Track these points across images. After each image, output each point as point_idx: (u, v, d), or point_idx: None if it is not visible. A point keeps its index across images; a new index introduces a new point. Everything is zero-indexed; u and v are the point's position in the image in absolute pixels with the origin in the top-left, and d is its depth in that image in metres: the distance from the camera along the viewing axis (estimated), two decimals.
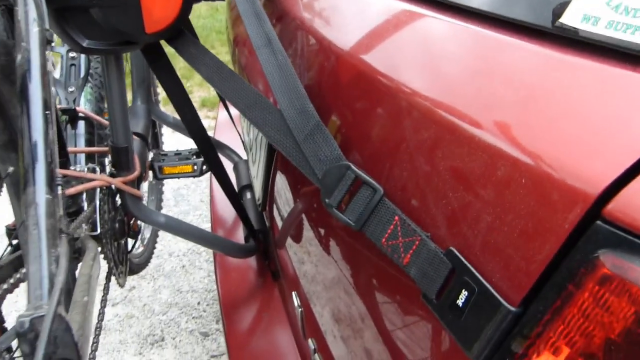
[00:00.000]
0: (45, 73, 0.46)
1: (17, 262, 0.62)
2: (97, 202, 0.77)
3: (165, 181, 1.62)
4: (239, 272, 0.96)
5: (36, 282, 0.34)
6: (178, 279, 1.80)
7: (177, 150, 0.98)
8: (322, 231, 0.55)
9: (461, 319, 0.30)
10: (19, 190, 0.58)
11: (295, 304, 0.65)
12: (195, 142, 0.75)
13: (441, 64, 0.39)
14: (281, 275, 0.81)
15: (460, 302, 0.30)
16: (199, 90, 3.10)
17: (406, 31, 0.45)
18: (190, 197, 2.24)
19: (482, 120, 0.33)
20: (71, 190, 0.64)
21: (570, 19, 0.30)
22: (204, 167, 0.96)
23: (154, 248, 1.28)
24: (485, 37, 0.36)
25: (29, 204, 0.37)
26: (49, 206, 0.38)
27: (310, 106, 0.45)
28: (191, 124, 0.72)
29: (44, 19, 0.49)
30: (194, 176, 0.95)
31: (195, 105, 2.71)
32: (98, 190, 0.76)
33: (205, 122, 1.56)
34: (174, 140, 2.07)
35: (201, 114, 2.67)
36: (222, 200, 1.16)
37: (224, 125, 1.41)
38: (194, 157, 0.96)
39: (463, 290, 0.30)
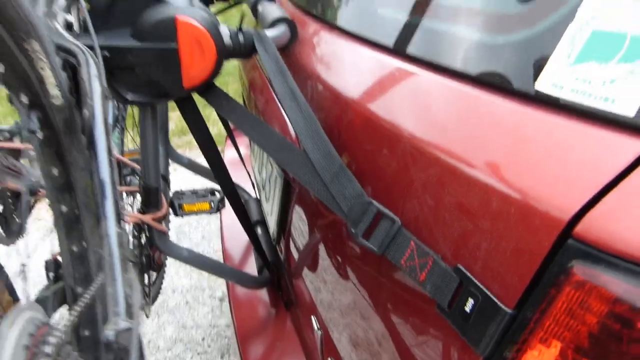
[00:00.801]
0: (107, 124, 0.54)
1: (61, 293, 0.69)
2: (130, 238, 0.84)
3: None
4: (252, 303, 1.02)
5: (114, 302, 0.41)
6: (182, 315, 1.84)
7: (193, 189, 1.06)
8: (339, 259, 0.63)
9: (469, 322, 0.38)
10: (70, 227, 0.66)
11: (315, 327, 0.72)
12: (217, 179, 0.83)
13: (437, 114, 0.48)
14: (296, 303, 0.87)
15: (468, 308, 0.38)
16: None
17: (404, 85, 0.54)
18: (192, 234, 2.30)
19: (475, 161, 0.41)
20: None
21: (542, 85, 0.39)
22: (220, 205, 1.04)
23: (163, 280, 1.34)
24: (474, 94, 0.45)
25: (102, 236, 0.45)
26: (119, 237, 0.45)
27: (333, 150, 0.53)
28: (215, 164, 0.81)
29: (103, 77, 0.58)
30: (210, 213, 1.03)
31: None
32: (131, 226, 0.83)
33: None
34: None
35: None
36: (231, 235, 1.23)
37: (230, 164, 1.50)
38: (210, 195, 1.04)
39: (469, 299, 0.38)
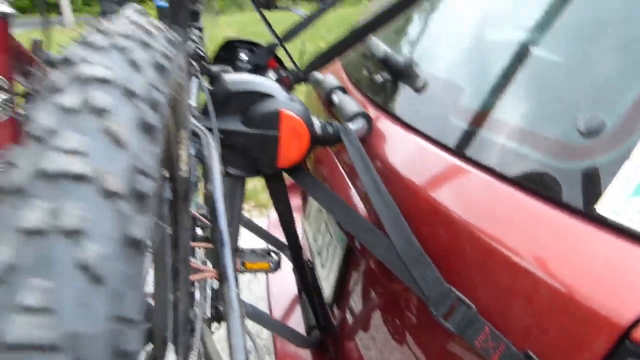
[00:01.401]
0: (222, 191, 0.65)
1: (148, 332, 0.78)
2: (207, 290, 0.93)
3: None
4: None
5: (238, 351, 0.50)
6: None
7: (252, 248, 1.16)
8: (402, 327, 0.71)
9: None
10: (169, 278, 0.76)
11: None
12: (289, 244, 0.93)
13: (507, 218, 0.58)
14: None
15: None
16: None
17: (474, 188, 0.65)
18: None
19: (542, 266, 0.50)
20: (195, 277, 0.81)
21: (603, 210, 0.49)
22: (278, 266, 1.13)
23: None
24: (542, 208, 0.55)
25: (224, 294, 0.54)
26: (237, 296, 0.55)
27: (413, 238, 0.63)
28: (289, 231, 0.91)
29: (219, 156, 0.70)
30: (268, 272, 1.12)
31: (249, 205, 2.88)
32: (209, 280, 0.93)
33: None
34: None
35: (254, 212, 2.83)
36: (278, 295, 1.32)
37: (273, 226, 1.60)
38: (268, 255, 1.14)
39: None
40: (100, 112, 0.25)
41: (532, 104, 0.65)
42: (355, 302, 0.88)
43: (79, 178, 0.22)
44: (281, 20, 1.44)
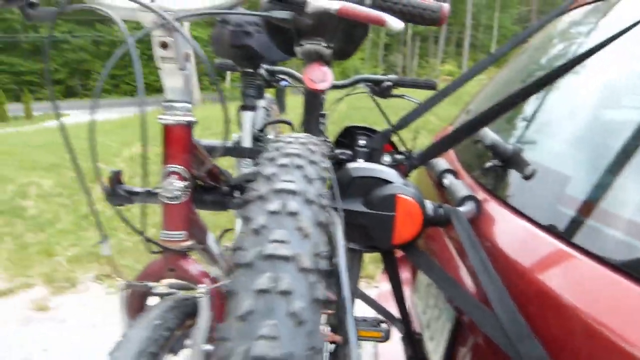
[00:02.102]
0: (346, 273, 0.77)
1: None
2: (324, 353, 1.03)
3: None
4: None
5: None
6: None
7: (363, 317, 1.24)
8: None
9: None
10: None
11: None
12: (400, 315, 1.01)
13: (616, 311, 0.61)
14: None
15: None
16: None
17: (562, 267, 0.69)
18: None
19: None
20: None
21: None
22: (388, 337, 1.20)
23: None
24: None
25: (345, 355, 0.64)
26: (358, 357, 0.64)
27: (519, 316, 0.69)
28: (399, 300, 0.99)
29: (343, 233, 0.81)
30: (379, 341, 1.19)
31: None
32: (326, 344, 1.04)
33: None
34: None
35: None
36: None
37: (382, 298, 1.68)
38: (379, 324, 1.22)
39: None
40: (293, 214, 0.38)
41: None
42: None
43: (285, 259, 0.35)
44: (397, 105, 1.59)
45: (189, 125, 0.73)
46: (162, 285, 0.75)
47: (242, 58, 1.42)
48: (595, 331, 0.60)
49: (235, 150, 1.27)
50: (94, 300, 2.98)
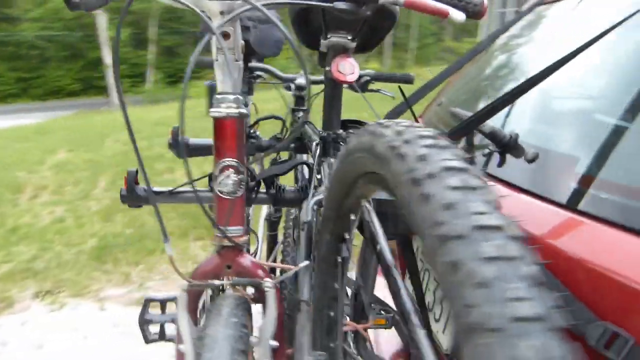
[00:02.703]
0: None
1: None
2: (351, 343, 1.04)
3: None
4: None
5: None
6: None
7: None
8: None
9: None
10: (329, 328, 0.88)
11: None
12: (418, 300, 1.05)
13: None
14: None
15: None
16: None
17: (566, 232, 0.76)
18: None
19: None
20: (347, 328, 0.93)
21: None
22: (393, 323, 1.24)
23: None
24: None
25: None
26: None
27: (557, 281, 0.75)
28: (417, 286, 1.03)
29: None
30: (385, 328, 1.23)
31: None
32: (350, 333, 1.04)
33: None
34: None
35: None
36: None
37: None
38: (381, 312, 1.25)
39: None
40: (513, 259, 0.32)
41: None
42: None
43: (533, 319, 0.29)
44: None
45: (242, 118, 0.71)
46: (226, 282, 0.72)
47: None
48: (601, 277, 0.67)
49: None
50: (37, 319, 2.77)
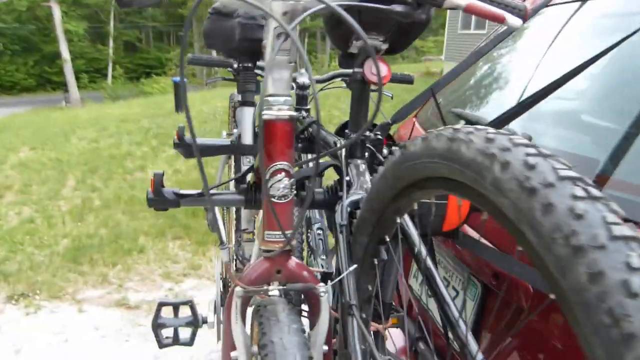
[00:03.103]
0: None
1: None
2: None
3: None
4: None
5: None
6: None
7: None
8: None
9: None
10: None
11: None
12: (437, 301, 1.08)
13: None
14: None
15: None
16: None
17: None
18: None
19: None
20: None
21: None
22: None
23: None
24: None
25: None
26: None
27: None
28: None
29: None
30: (396, 327, 1.26)
31: None
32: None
33: None
34: None
35: None
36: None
37: None
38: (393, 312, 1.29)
39: None
40: None
41: None
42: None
43: None
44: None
45: (292, 120, 0.70)
46: (281, 288, 0.72)
47: (249, 52, 1.35)
48: None
49: (238, 148, 1.21)
50: (12, 323, 2.66)
